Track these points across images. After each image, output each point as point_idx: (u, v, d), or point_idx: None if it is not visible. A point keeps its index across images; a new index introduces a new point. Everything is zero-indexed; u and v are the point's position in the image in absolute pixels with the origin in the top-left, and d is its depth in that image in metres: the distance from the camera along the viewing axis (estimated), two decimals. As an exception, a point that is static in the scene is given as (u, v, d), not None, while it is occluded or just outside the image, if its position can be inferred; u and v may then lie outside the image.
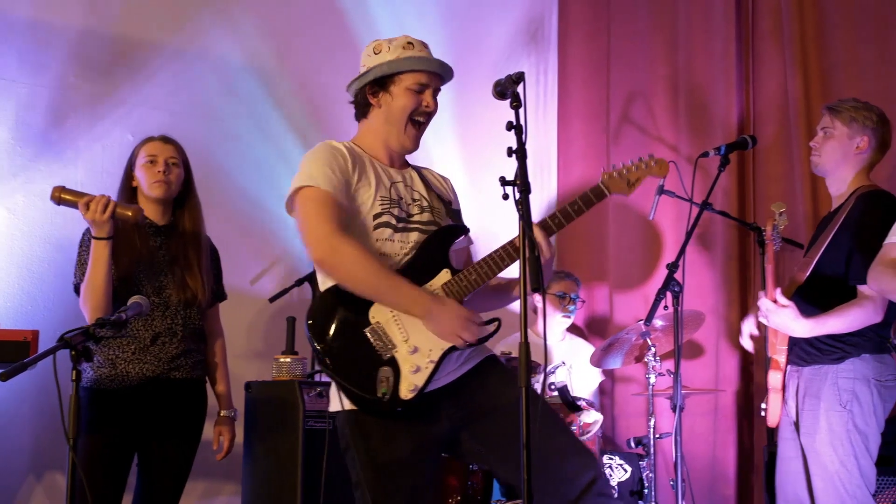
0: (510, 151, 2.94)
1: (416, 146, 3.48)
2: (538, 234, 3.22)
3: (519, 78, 3.02)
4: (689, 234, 4.61)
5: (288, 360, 4.95)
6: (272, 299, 5.40)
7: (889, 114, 5.38)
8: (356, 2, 6.32)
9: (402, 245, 3.34)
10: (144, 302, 3.73)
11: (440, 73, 3.45)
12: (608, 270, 6.64)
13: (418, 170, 3.58)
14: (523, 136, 2.94)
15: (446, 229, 3.43)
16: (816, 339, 4.05)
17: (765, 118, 5.97)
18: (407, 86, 3.40)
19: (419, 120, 3.44)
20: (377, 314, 3.23)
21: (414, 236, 3.36)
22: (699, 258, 6.04)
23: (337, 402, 3.29)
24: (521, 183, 2.87)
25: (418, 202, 3.45)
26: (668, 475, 5.29)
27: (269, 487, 4.75)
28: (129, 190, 4.29)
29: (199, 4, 5.69)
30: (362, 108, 3.52)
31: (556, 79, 7.19)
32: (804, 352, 4.11)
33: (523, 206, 2.84)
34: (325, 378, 5.08)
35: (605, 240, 6.67)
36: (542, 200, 6.96)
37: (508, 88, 3.02)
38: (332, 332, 3.23)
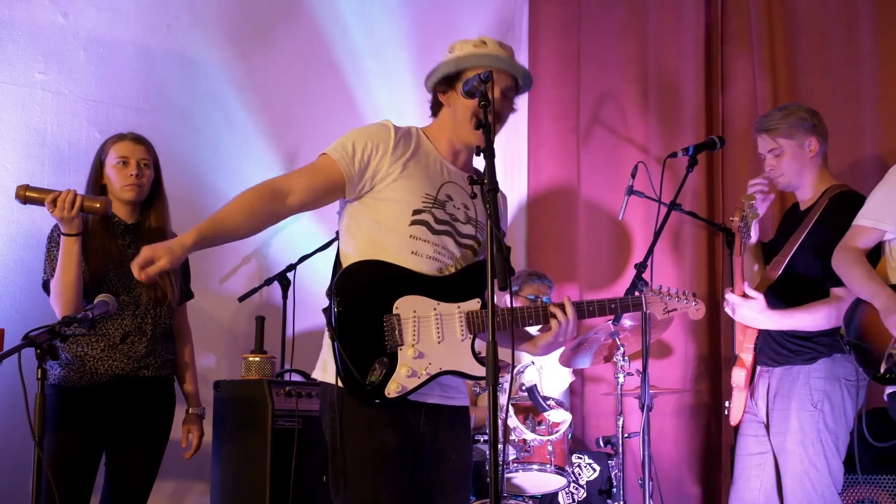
0: (478, 150, 2.94)
1: (479, 142, 3.18)
2: (568, 310, 3.36)
3: (487, 77, 3.03)
4: (657, 235, 4.62)
5: (257, 359, 4.93)
6: (241, 298, 5.39)
7: (856, 115, 5.46)
8: (325, 1, 6.31)
9: (434, 248, 3.29)
10: (111, 300, 3.72)
11: (510, 72, 3.37)
12: (578, 270, 6.65)
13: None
14: (492, 135, 2.94)
15: (480, 266, 3.34)
16: (788, 339, 4.07)
17: (734, 119, 6.00)
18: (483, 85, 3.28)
19: (463, 87, 3.24)
20: (402, 307, 3.21)
21: (446, 242, 3.32)
22: (668, 258, 6.06)
23: (324, 372, 3.28)
24: (489, 182, 2.87)
25: (467, 210, 3.40)
26: (637, 474, 5.30)
27: (238, 486, 4.74)
28: (97, 187, 4.27)
29: (165, 3, 5.65)
30: (435, 107, 3.47)
31: (526, 79, 7.18)
32: (775, 352, 4.13)
33: (491, 205, 2.83)
34: (294, 377, 5.08)
35: (576, 240, 6.68)
36: (513, 200, 6.96)
37: (477, 88, 3.03)
38: (354, 302, 3.20)
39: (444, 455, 3.32)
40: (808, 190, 4.30)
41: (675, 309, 3.59)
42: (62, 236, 3.98)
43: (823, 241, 4.05)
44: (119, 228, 4.25)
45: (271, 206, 3.25)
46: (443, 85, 3.40)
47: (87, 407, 4.08)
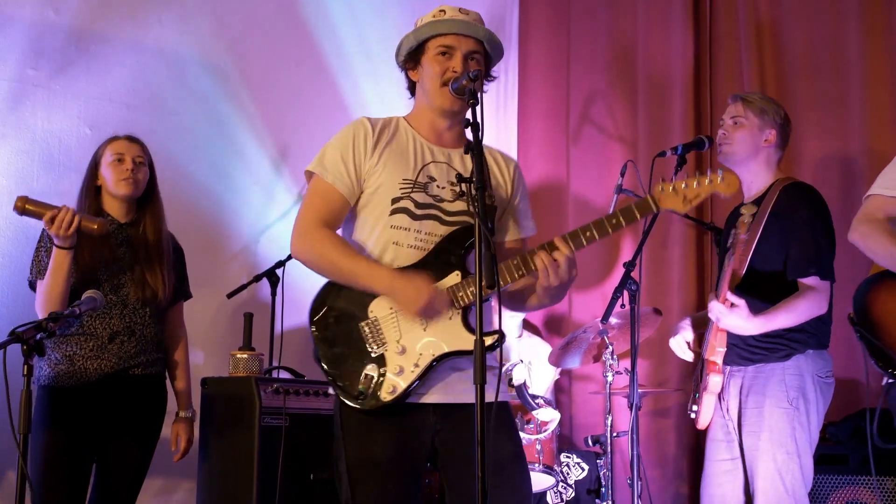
0: (467, 148, 2.94)
1: (458, 108, 3.23)
2: (562, 250, 3.08)
3: (476, 76, 3.03)
4: (645, 234, 4.62)
5: (245, 356, 4.93)
6: (230, 295, 5.38)
7: (844, 115, 5.48)
8: (314, 1, 6.32)
9: (416, 235, 3.20)
10: (98, 296, 3.72)
11: (469, 35, 3.25)
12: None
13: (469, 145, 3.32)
14: (480, 134, 2.93)
15: (467, 230, 3.19)
16: (760, 337, 4.06)
17: (722, 119, 6.01)
18: (433, 53, 3.26)
19: (451, 85, 3.18)
20: (376, 309, 3.15)
21: (430, 226, 3.21)
22: (656, 257, 6.07)
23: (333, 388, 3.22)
24: (477, 180, 2.84)
25: (455, 187, 3.26)
26: (626, 473, 5.30)
27: (225, 484, 4.73)
28: (93, 188, 4.29)
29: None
30: (411, 87, 3.42)
31: (516, 78, 7.20)
32: (747, 351, 4.11)
33: (479, 203, 2.80)
34: (282, 374, 5.08)
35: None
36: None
37: (466, 87, 3.03)
38: (328, 321, 3.18)
39: (468, 452, 3.00)
40: (752, 178, 4.25)
41: (699, 195, 3.16)
42: (54, 247, 4.00)
43: (781, 233, 4.04)
44: (112, 227, 4.25)
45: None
46: (410, 62, 3.35)
47: (78, 406, 4.09)
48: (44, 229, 4.13)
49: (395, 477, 3.13)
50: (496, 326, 2.96)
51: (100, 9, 5.42)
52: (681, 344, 4.39)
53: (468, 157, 3.21)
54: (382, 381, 3.10)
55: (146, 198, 4.37)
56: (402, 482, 3.14)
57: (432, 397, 3.15)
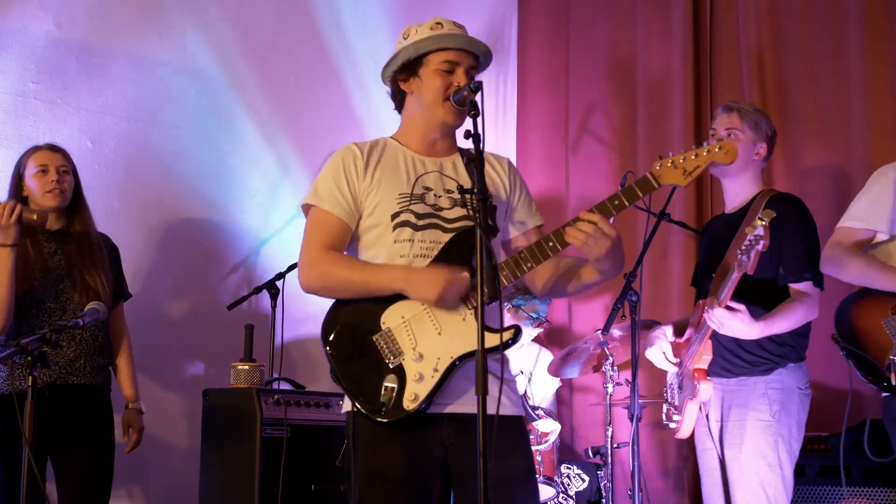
0: (469, 158, 2.95)
1: (459, 121, 3.27)
2: (596, 216, 3.08)
3: (477, 87, 3.04)
4: (646, 244, 4.62)
5: (246, 367, 4.93)
6: (230, 307, 5.39)
7: (844, 126, 5.49)
8: (323, 9, 6.33)
9: (421, 245, 3.20)
10: (101, 308, 3.74)
11: (471, 51, 3.29)
12: (567, 280, 6.65)
13: (466, 155, 3.35)
14: (481, 145, 2.94)
15: (468, 231, 3.15)
16: (743, 350, 4.06)
17: (722, 130, 6.02)
18: (435, 67, 3.26)
19: (453, 97, 3.21)
20: (388, 319, 3.14)
21: (432, 234, 3.20)
22: (657, 268, 6.08)
23: (347, 401, 3.19)
24: (479, 191, 2.85)
25: (451, 193, 3.26)
26: (626, 485, 5.30)
27: (226, 495, 4.73)
28: (19, 199, 4.29)
29: (157, 12, 5.66)
30: (398, 98, 3.42)
31: (515, 89, 7.22)
32: (729, 363, 4.11)
33: (480, 214, 2.81)
34: (283, 385, 5.08)
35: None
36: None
37: (468, 98, 3.04)
38: (342, 339, 3.17)
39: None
40: (737, 189, 4.26)
41: (698, 166, 3.14)
42: None
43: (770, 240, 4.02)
44: (44, 237, 4.29)
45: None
46: (404, 73, 3.34)
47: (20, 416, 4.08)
48: None
49: (404, 489, 3.10)
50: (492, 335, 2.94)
51: (101, 23, 5.44)
52: (658, 355, 4.37)
53: (459, 163, 3.29)
54: (404, 391, 3.08)
55: (74, 204, 4.40)
56: (411, 495, 3.12)
57: (447, 407, 3.12)
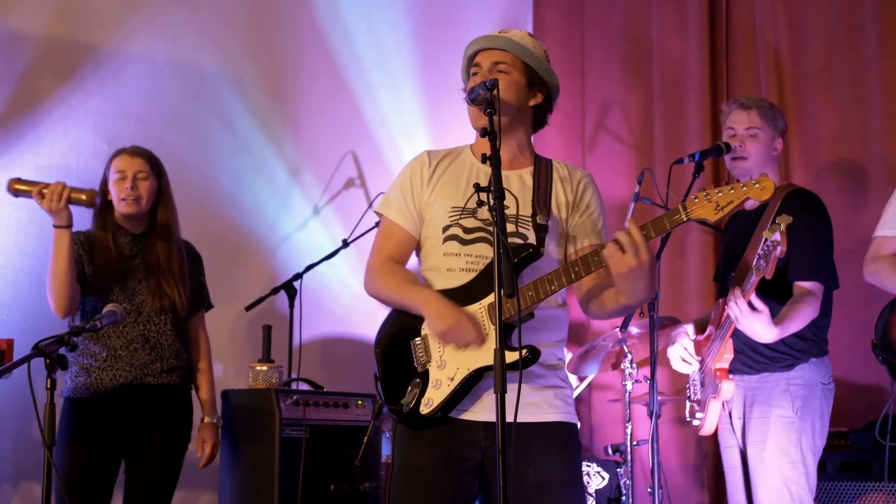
0: (484, 158, 2.93)
1: (480, 121, 3.12)
2: (619, 237, 3.02)
3: (493, 85, 3.02)
4: (664, 242, 4.60)
5: (264, 368, 4.94)
6: (249, 307, 5.39)
7: (862, 122, 5.47)
8: (330, 11, 6.33)
9: (467, 259, 3.20)
10: (119, 310, 3.73)
11: (489, 47, 3.30)
12: (584, 278, 6.64)
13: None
14: (497, 143, 2.92)
15: (515, 249, 3.08)
16: (765, 346, 4.03)
17: (739, 125, 6.00)
18: (469, 76, 3.35)
19: (469, 95, 3.17)
20: (426, 327, 3.19)
21: (480, 248, 3.19)
22: (675, 266, 6.06)
23: None
24: (496, 189, 2.84)
25: (507, 208, 3.12)
26: (646, 482, 5.30)
27: (246, 496, 4.73)
28: (104, 202, 4.29)
29: (172, 13, 5.67)
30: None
31: (531, 87, 7.20)
32: (751, 360, 4.09)
33: (498, 213, 2.80)
34: (302, 386, 5.09)
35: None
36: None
37: (483, 96, 3.02)
38: (388, 342, 3.27)
39: (520, 471, 2.99)
40: None
41: (732, 202, 2.98)
42: (53, 228, 4.04)
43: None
44: (125, 238, 4.28)
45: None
46: None
47: (98, 417, 4.11)
48: None
49: (435, 487, 3.13)
50: (539, 342, 3.01)
51: (115, 24, 5.45)
52: (679, 355, 4.31)
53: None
54: (423, 395, 3.13)
55: (156, 206, 4.34)
56: (442, 494, 3.14)
57: (481, 415, 3.12)
